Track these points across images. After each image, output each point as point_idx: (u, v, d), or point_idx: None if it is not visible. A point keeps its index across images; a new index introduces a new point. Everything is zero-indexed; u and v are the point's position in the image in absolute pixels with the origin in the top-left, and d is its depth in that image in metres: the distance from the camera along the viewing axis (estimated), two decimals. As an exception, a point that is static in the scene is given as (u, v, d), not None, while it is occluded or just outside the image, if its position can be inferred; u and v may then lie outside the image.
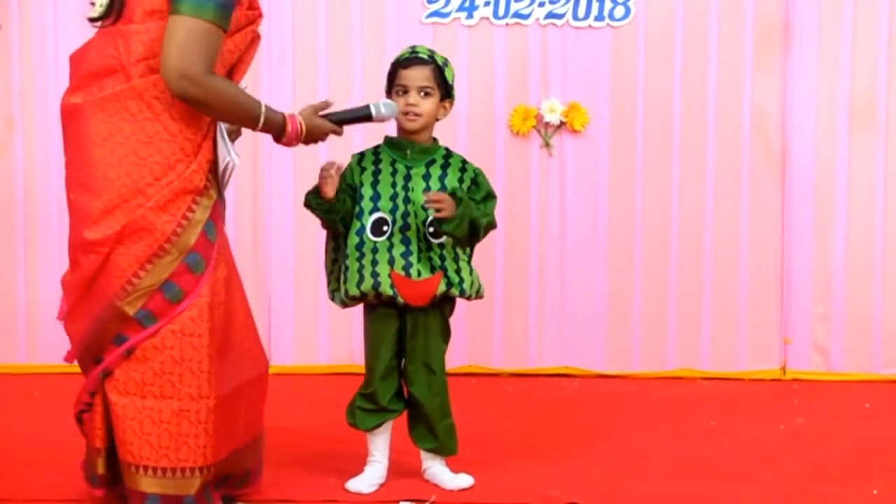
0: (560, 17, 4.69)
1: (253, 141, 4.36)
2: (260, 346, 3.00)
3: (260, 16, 2.85)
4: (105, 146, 2.71)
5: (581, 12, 4.69)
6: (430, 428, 3.28)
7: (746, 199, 4.74)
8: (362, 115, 3.08)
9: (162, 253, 2.71)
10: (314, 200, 3.21)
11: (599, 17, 4.69)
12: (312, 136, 2.94)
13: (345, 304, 3.29)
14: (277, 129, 2.85)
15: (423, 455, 3.33)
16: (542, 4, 4.68)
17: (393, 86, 3.21)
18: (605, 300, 4.78)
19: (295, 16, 4.70)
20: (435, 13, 4.70)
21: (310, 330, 4.73)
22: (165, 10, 2.68)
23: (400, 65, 3.19)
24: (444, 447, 3.30)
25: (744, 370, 4.77)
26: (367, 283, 3.18)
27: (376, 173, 3.20)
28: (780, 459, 3.64)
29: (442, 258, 3.20)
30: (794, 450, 3.76)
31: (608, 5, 4.68)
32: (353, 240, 3.19)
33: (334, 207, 3.19)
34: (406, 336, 3.25)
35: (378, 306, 3.23)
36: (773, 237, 4.74)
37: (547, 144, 4.72)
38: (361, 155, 3.27)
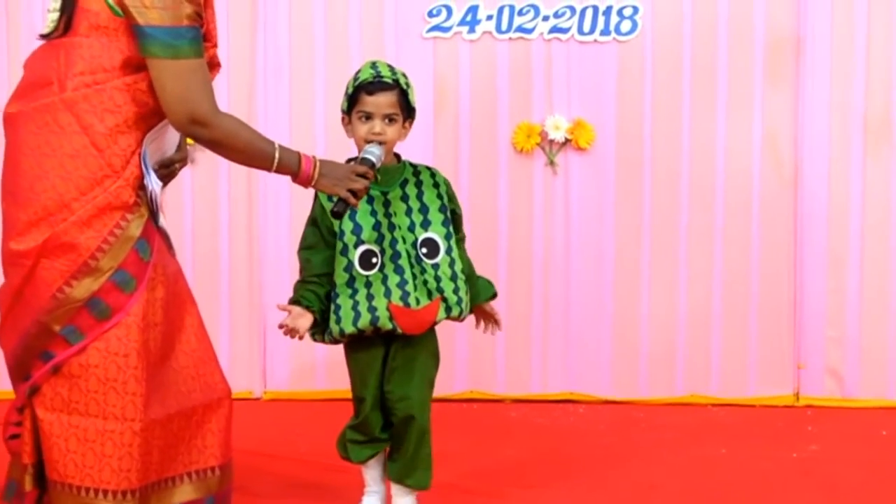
0: (565, 31, 4.70)
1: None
2: (218, 373, 2.95)
3: (214, 46, 2.85)
4: (33, 157, 2.71)
5: (586, 27, 4.69)
6: (405, 456, 3.22)
7: (757, 219, 4.73)
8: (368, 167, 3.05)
9: (86, 269, 2.70)
10: (316, 333, 3.20)
11: (605, 32, 4.69)
12: (331, 178, 2.90)
13: (335, 341, 3.23)
14: (293, 169, 2.84)
15: (394, 489, 3.27)
16: (546, 18, 4.68)
17: (353, 109, 3.17)
18: (611, 323, 4.77)
19: (291, 30, 4.71)
20: (436, 27, 4.70)
21: (306, 354, 4.69)
22: (111, 28, 2.70)
23: (363, 88, 3.14)
24: (417, 479, 3.23)
25: (755, 396, 4.75)
26: (365, 319, 3.13)
27: (354, 207, 3.10)
28: (792, 489, 3.63)
29: (438, 279, 3.17)
30: (807, 479, 3.75)
31: (614, 19, 4.68)
32: (342, 277, 3.15)
33: (322, 304, 3.16)
34: (388, 357, 3.21)
35: (362, 339, 3.20)
36: (785, 258, 4.73)
37: (551, 162, 4.73)
38: (331, 196, 3.11)
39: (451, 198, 3.28)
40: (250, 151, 2.78)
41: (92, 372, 2.72)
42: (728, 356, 4.76)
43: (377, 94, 3.13)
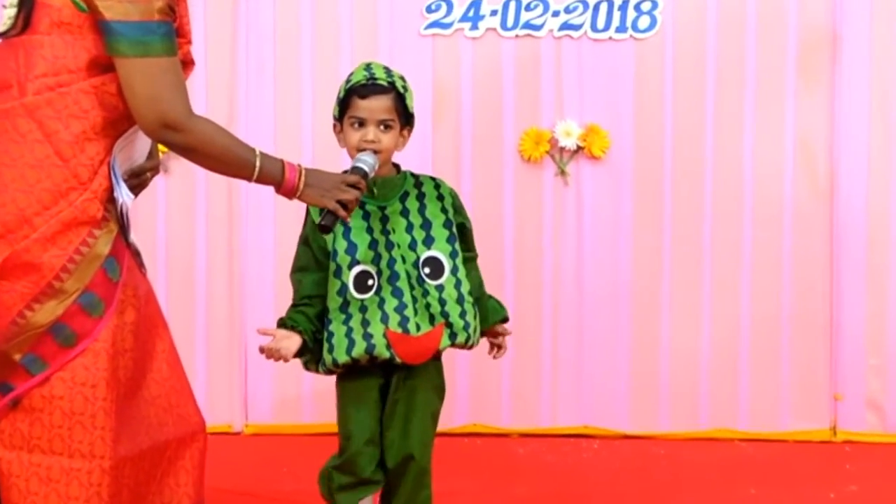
0: (577, 28, 4.71)
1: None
2: (192, 404, 2.94)
3: (188, 43, 2.85)
4: None
5: (601, 23, 4.71)
6: (402, 499, 3.21)
7: (790, 237, 4.73)
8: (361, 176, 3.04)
9: (50, 291, 2.67)
10: (306, 359, 3.17)
11: (621, 29, 4.71)
12: (318, 189, 2.89)
13: (330, 372, 3.21)
14: (276, 179, 2.83)
15: None
16: (556, 14, 4.69)
17: (345, 114, 3.17)
18: (628, 350, 4.77)
19: (276, 26, 4.72)
20: (435, 24, 4.71)
21: (292, 384, 4.71)
22: (75, 25, 2.69)
23: (356, 92, 3.15)
24: None
25: (788, 430, 4.75)
26: (360, 348, 3.11)
27: (346, 222, 3.08)
28: (830, 534, 3.64)
29: (442, 302, 3.16)
30: (846, 523, 3.75)
31: (631, 15, 4.70)
32: (335, 301, 3.13)
33: (314, 327, 3.13)
34: (389, 391, 3.20)
35: (359, 369, 3.18)
36: (820, 278, 4.73)
37: (562, 172, 4.73)
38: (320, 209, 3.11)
39: (459, 210, 3.28)
40: (228, 159, 2.76)
41: (56, 405, 2.69)
42: (757, 386, 4.76)
43: (371, 97, 3.14)
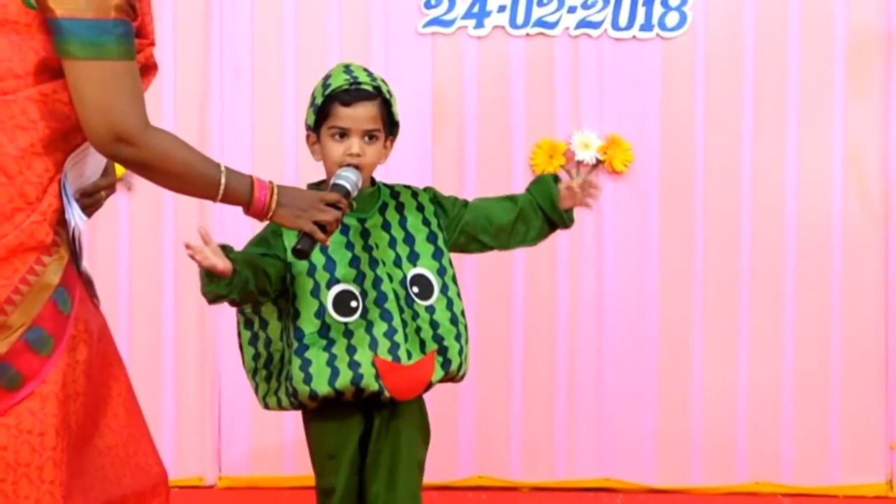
0: (596, 25, 4.69)
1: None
2: (152, 454, 2.90)
3: (151, 45, 2.82)
4: None
5: (623, 20, 4.69)
6: None
7: (839, 266, 4.73)
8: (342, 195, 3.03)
9: None
10: (217, 288, 3.05)
11: (647, 27, 4.69)
12: (292, 209, 2.87)
13: (299, 406, 3.20)
14: (244, 197, 2.81)
15: None
16: (572, 10, 4.69)
17: (324, 124, 3.19)
18: (654, 394, 4.75)
19: (255, 24, 4.69)
20: (435, 21, 4.70)
21: (270, 431, 4.68)
22: (23, 23, 2.64)
23: (338, 99, 3.16)
24: None
25: (838, 484, 4.75)
26: (345, 378, 3.08)
27: (325, 247, 3.10)
28: None
29: (434, 325, 3.17)
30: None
31: (658, 11, 4.69)
32: (312, 324, 3.11)
33: (246, 281, 3.05)
34: (371, 438, 3.19)
35: (337, 405, 3.15)
36: (873, 312, 4.73)
37: None
38: None
39: (442, 207, 3.30)
40: (189, 176, 2.74)
41: (0, 455, 2.64)
42: (803, 435, 4.75)
43: (355, 105, 3.15)
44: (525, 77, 4.69)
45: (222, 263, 2.99)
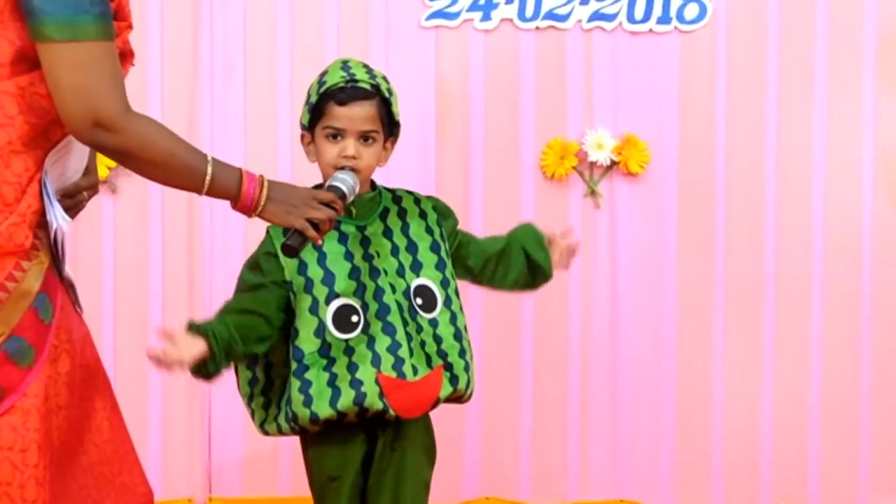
0: (610, 18, 4.68)
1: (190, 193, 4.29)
2: (137, 472, 2.92)
3: (128, 28, 2.82)
4: None
5: (639, 12, 4.68)
6: None
7: (870, 274, 4.73)
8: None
9: None
10: (200, 373, 3.04)
11: (664, 20, 4.68)
12: (283, 205, 2.88)
13: (299, 431, 3.22)
14: (231, 190, 2.81)
15: None
16: (585, 2, 4.68)
17: (318, 124, 3.20)
18: (672, 411, 4.74)
19: (247, 15, 4.66)
20: (439, 13, 4.67)
21: (265, 448, 4.62)
22: None
23: (333, 97, 3.17)
24: None
25: None
26: (348, 398, 3.08)
27: (318, 246, 3.09)
28: None
29: (438, 339, 3.18)
30: None
31: (676, 2, 4.68)
32: (312, 343, 3.11)
33: (231, 346, 3.04)
34: (374, 459, 3.20)
35: (338, 426, 3.16)
36: None
37: (592, 192, 4.70)
38: (286, 230, 3.06)
39: (445, 217, 3.32)
40: (172, 166, 2.74)
41: None
42: (831, 459, 4.75)
43: (351, 104, 3.15)
44: (535, 73, 4.67)
45: (197, 351, 2.97)
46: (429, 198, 3.32)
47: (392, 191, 3.27)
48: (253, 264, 3.19)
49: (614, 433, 4.73)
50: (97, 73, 2.63)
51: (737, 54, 4.67)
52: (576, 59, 4.66)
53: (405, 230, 3.22)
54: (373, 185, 3.26)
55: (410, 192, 3.30)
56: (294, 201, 2.89)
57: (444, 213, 3.32)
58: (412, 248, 3.21)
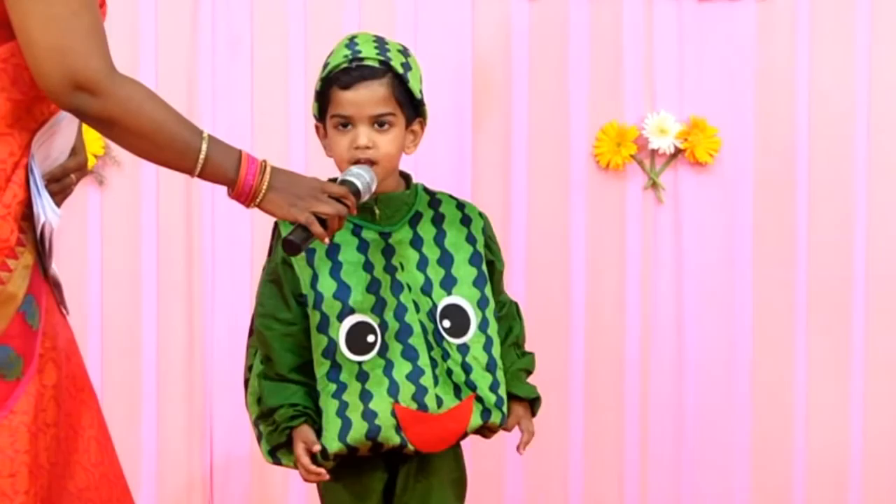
0: None
1: (187, 183, 4.44)
2: (126, 497, 2.94)
3: None
4: None
5: None
6: None
7: None
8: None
9: None
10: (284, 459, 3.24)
11: None
12: (286, 195, 2.88)
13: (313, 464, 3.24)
14: (228, 174, 2.80)
15: None
16: None
17: (326, 113, 3.22)
18: (747, 440, 4.72)
19: None
20: None
21: (270, 471, 4.60)
22: None
23: (335, 81, 3.19)
24: None
25: None
26: (359, 431, 3.11)
27: (333, 254, 3.16)
28: None
29: (467, 368, 3.19)
30: None
31: None
32: (322, 366, 3.15)
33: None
34: (395, 494, 3.26)
35: (352, 460, 3.21)
36: None
37: (654, 185, 4.69)
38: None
39: (490, 242, 3.33)
40: (162, 139, 2.72)
41: None
42: None
43: (356, 86, 3.17)
44: (588, 48, 4.66)
45: (313, 441, 3.15)
46: (481, 212, 3.33)
47: (432, 193, 3.28)
48: (271, 274, 3.22)
49: (678, 466, 4.73)
50: (75, 28, 2.62)
51: (823, 25, 4.65)
52: (634, 31, 4.66)
53: (439, 239, 3.23)
54: (407, 181, 3.27)
55: (454, 197, 3.31)
56: (299, 192, 2.88)
57: (490, 239, 3.32)
58: (445, 260, 3.21)
